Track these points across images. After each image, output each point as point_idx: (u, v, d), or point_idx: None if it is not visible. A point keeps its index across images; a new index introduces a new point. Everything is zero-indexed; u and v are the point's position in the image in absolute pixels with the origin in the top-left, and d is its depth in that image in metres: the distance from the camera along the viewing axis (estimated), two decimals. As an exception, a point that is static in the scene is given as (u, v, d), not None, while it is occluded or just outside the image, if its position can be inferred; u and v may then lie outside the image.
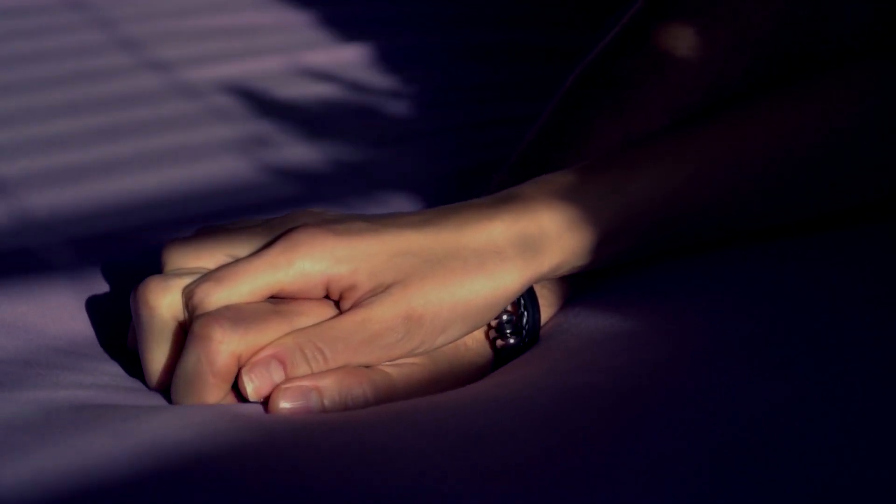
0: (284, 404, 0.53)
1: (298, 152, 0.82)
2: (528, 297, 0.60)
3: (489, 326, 0.59)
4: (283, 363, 0.53)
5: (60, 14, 1.01)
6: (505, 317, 0.59)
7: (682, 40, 0.65)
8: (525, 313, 0.59)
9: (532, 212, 0.57)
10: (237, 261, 0.55)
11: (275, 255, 0.54)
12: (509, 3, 1.08)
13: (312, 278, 0.54)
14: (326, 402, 0.53)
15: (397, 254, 0.55)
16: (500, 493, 0.44)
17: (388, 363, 0.56)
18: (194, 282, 0.54)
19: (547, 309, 0.62)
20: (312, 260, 0.54)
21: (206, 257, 0.56)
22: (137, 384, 0.57)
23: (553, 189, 0.58)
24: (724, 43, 0.64)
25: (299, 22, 1.03)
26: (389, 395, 0.55)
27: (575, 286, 0.63)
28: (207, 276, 0.54)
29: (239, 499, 0.44)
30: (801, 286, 0.58)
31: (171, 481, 0.45)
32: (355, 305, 0.55)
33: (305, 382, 0.53)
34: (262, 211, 0.74)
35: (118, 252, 0.68)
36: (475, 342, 0.59)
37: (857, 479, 0.46)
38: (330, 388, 0.54)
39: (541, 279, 0.59)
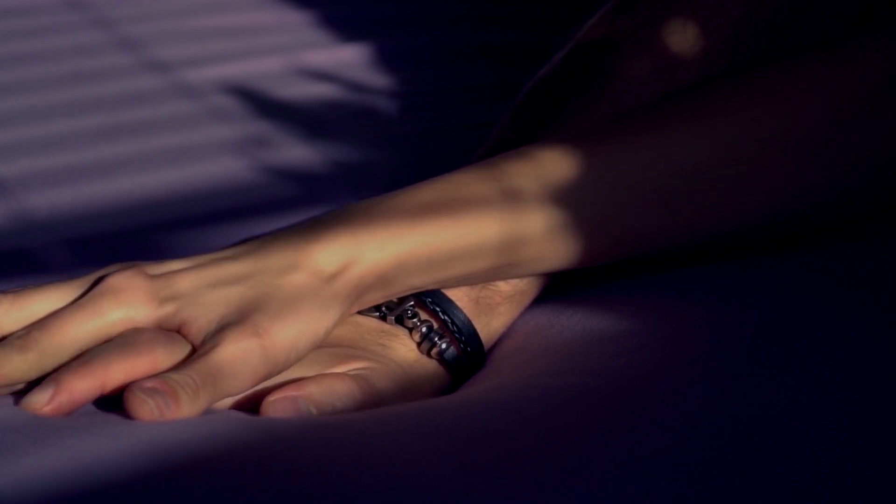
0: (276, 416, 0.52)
1: (298, 153, 0.82)
2: (437, 300, 0.58)
3: (417, 343, 0.58)
4: (162, 389, 0.50)
5: (60, 14, 1.01)
6: (424, 329, 0.58)
7: (631, 49, 0.64)
8: (447, 318, 0.58)
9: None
10: (57, 312, 0.52)
11: (96, 301, 0.52)
12: (509, 3, 1.08)
13: (139, 323, 0.52)
14: (314, 408, 0.53)
15: (221, 284, 0.53)
16: (492, 491, 0.45)
17: (356, 368, 0.55)
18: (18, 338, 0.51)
19: (502, 307, 0.60)
20: (136, 306, 0.52)
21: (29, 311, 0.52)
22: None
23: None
24: (675, 51, 0.63)
25: (299, 22, 1.03)
26: (371, 393, 0.55)
27: (545, 285, 0.62)
28: (30, 328, 0.51)
29: (236, 499, 0.44)
30: (798, 287, 0.59)
31: (169, 482, 0.45)
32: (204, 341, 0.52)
33: (291, 392, 0.53)
34: (262, 211, 0.74)
35: (118, 252, 0.68)
36: (416, 354, 0.58)
37: (853, 479, 0.46)
38: (315, 393, 0.53)
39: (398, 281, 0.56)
